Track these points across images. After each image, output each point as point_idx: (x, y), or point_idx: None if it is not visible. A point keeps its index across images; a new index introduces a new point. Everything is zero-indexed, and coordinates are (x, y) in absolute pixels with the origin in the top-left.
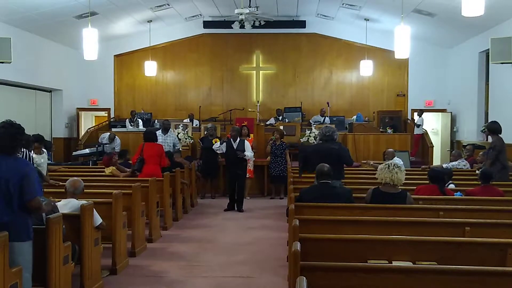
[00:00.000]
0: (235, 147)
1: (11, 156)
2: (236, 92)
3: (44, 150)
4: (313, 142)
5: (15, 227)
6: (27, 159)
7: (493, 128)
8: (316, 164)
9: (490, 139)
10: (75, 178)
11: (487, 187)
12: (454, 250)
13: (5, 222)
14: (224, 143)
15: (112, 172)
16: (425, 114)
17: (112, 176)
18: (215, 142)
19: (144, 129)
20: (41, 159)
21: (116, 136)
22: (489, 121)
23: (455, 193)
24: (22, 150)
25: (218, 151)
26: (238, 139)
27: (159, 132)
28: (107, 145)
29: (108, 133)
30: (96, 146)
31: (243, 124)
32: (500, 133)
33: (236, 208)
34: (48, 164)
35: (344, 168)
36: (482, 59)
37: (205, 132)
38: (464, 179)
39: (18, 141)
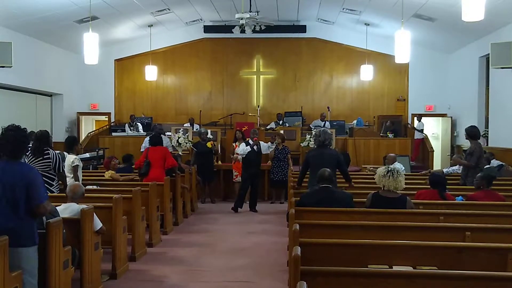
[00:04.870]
0: (256, 149)
1: (17, 161)
2: (237, 97)
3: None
4: (313, 147)
5: (21, 233)
6: (58, 160)
7: (472, 133)
8: (317, 167)
9: (490, 142)
10: (76, 182)
11: (488, 191)
12: (454, 255)
13: (11, 228)
14: (248, 146)
15: (111, 175)
16: (425, 119)
17: (112, 180)
18: (210, 145)
19: (144, 133)
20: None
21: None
22: (489, 125)
23: (456, 198)
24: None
25: (242, 156)
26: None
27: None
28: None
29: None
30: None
31: (243, 128)
32: (479, 139)
33: (249, 208)
34: None
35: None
36: (482, 64)
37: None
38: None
39: (25, 146)
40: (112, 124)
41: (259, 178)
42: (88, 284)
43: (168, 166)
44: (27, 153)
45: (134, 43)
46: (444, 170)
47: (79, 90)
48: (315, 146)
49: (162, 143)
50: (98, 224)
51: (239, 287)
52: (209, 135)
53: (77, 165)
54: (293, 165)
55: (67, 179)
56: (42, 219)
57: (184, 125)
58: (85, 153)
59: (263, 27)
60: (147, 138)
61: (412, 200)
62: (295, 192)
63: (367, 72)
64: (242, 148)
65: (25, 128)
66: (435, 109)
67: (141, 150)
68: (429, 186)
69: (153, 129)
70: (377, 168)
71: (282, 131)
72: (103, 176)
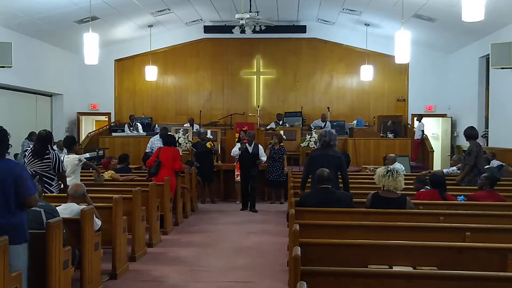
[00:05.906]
0: (250, 151)
1: (1, 158)
2: (237, 97)
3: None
4: (313, 147)
5: (12, 230)
6: (58, 160)
7: (470, 134)
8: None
9: (490, 143)
10: (78, 182)
11: (490, 192)
12: (454, 255)
13: (3, 225)
14: (239, 148)
15: (111, 176)
16: (425, 119)
17: (112, 180)
18: (210, 145)
19: (144, 133)
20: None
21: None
22: (489, 125)
23: (458, 197)
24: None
25: (236, 157)
26: (253, 143)
27: (157, 137)
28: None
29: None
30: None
31: (243, 128)
32: (477, 138)
33: (249, 209)
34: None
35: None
36: (482, 64)
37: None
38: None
39: (5, 144)
40: (112, 124)
41: (254, 178)
42: (88, 284)
43: (174, 168)
44: (27, 153)
45: (134, 43)
46: (444, 170)
47: (79, 90)
48: (319, 146)
49: (175, 143)
50: (97, 223)
51: (239, 287)
52: (208, 135)
53: (83, 161)
54: (293, 165)
55: (67, 179)
56: (42, 219)
57: (184, 125)
58: (85, 153)
59: (263, 27)
60: (154, 138)
61: (412, 201)
62: (295, 192)
63: (367, 72)
64: (234, 149)
65: (1, 126)
66: (435, 109)
67: (147, 150)
68: (428, 187)
69: (153, 130)
70: (378, 168)
71: (282, 132)
72: (103, 176)
